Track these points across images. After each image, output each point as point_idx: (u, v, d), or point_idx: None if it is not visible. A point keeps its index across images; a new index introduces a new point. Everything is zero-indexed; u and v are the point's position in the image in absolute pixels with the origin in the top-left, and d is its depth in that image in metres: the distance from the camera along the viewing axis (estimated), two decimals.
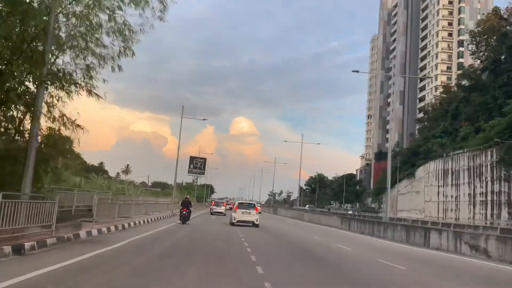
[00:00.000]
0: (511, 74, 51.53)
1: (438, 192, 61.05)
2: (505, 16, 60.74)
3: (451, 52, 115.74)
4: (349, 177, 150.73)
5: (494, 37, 62.07)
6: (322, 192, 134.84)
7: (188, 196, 29.77)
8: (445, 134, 65.95)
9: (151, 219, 26.97)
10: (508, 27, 61.34)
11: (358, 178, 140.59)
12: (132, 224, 21.18)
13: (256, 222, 27.40)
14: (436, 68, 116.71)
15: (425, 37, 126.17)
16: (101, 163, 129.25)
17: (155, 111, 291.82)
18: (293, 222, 38.76)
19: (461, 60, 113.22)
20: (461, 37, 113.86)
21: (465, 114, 61.71)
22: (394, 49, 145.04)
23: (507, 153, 42.69)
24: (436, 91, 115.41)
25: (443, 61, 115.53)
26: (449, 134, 65.55)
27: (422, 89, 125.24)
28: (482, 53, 67.14)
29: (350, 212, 78.47)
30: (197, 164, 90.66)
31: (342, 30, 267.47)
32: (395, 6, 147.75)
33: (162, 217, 31.03)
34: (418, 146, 72.28)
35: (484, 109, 57.25)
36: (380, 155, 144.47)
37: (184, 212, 26.64)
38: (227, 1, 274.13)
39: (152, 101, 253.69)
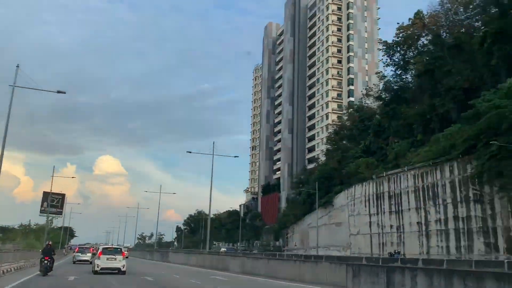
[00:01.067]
0: (455, 78, 43.65)
1: (370, 222, 50.06)
2: (426, 21, 54.63)
3: (341, 79, 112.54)
4: (234, 213, 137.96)
5: (419, 43, 55.82)
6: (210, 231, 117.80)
7: (50, 243, 25.64)
8: (367, 154, 56.38)
9: None
10: (428, 33, 55.49)
11: (252, 213, 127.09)
12: None
13: (122, 269, 24.52)
14: (327, 95, 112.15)
15: (313, 65, 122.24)
16: None
17: (6, 148, 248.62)
18: (230, 278, 21.94)
19: (351, 87, 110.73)
20: (350, 64, 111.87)
21: (393, 129, 52.91)
22: (280, 77, 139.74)
23: (488, 165, 32.92)
24: (327, 118, 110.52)
25: (333, 88, 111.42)
26: (372, 153, 56.13)
27: (311, 117, 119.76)
28: (398, 62, 60.69)
29: (255, 251, 63.91)
30: (53, 202, 71.00)
31: (212, 74, 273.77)
32: (280, 34, 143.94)
33: None
34: (333, 170, 61.73)
35: (420, 121, 48.79)
36: (268, 188, 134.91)
37: (46, 261, 22.77)
38: (94, 36, 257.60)
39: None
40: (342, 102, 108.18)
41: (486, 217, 34.83)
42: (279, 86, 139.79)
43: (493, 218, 34.18)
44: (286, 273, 20.41)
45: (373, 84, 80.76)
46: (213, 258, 35.25)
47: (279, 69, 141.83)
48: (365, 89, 77.05)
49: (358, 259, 16.64)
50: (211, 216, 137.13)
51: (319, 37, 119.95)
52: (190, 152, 47.11)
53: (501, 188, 33.11)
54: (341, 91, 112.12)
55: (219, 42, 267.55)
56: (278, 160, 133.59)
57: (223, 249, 69.65)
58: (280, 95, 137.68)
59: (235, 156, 46.03)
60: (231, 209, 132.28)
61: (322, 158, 79.03)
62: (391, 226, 46.33)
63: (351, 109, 71.10)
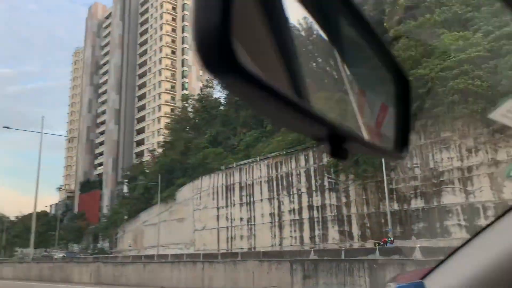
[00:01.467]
0: None
1: (218, 215, 47.25)
2: None
3: (175, 71, 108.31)
4: (44, 214, 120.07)
5: None
6: (11, 236, 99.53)
7: None
8: (214, 144, 53.71)
9: None
10: None
11: (70, 212, 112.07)
12: None
13: None
14: (160, 86, 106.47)
15: (144, 53, 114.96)
16: None
17: None
18: None
19: (185, 80, 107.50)
20: (185, 56, 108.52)
21: (242, 120, 51.36)
22: (106, 63, 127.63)
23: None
24: (159, 110, 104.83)
25: (167, 79, 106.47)
26: (219, 143, 53.65)
27: (142, 108, 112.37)
28: None
29: (81, 255, 54.58)
30: None
31: (15, 58, 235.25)
32: (108, 17, 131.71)
33: None
34: (174, 161, 57.26)
35: None
36: (88, 185, 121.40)
37: None
38: None
39: None
40: (176, 94, 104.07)
41: (341, 205, 35.52)
42: (105, 73, 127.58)
43: (347, 206, 34.99)
44: (179, 279, 15.03)
45: (211, 78, 78.89)
46: (44, 266, 26.91)
47: (105, 54, 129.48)
48: (206, 80, 74.65)
49: (301, 253, 12.81)
50: (13, 218, 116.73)
51: (151, 24, 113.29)
52: (8, 128, 36.47)
53: (356, 176, 34.01)
54: (175, 82, 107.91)
55: (25, 23, 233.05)
56: (101, 154, 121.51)
57: (60, 254, 57.96)
58: (105, 83, 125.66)
59: (66, 138, 37.25)
60: (42, 210, 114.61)
61: (159, 151, 73.47)
62: (242, 219, 44.45)
63: (190, 100, 67.68)
